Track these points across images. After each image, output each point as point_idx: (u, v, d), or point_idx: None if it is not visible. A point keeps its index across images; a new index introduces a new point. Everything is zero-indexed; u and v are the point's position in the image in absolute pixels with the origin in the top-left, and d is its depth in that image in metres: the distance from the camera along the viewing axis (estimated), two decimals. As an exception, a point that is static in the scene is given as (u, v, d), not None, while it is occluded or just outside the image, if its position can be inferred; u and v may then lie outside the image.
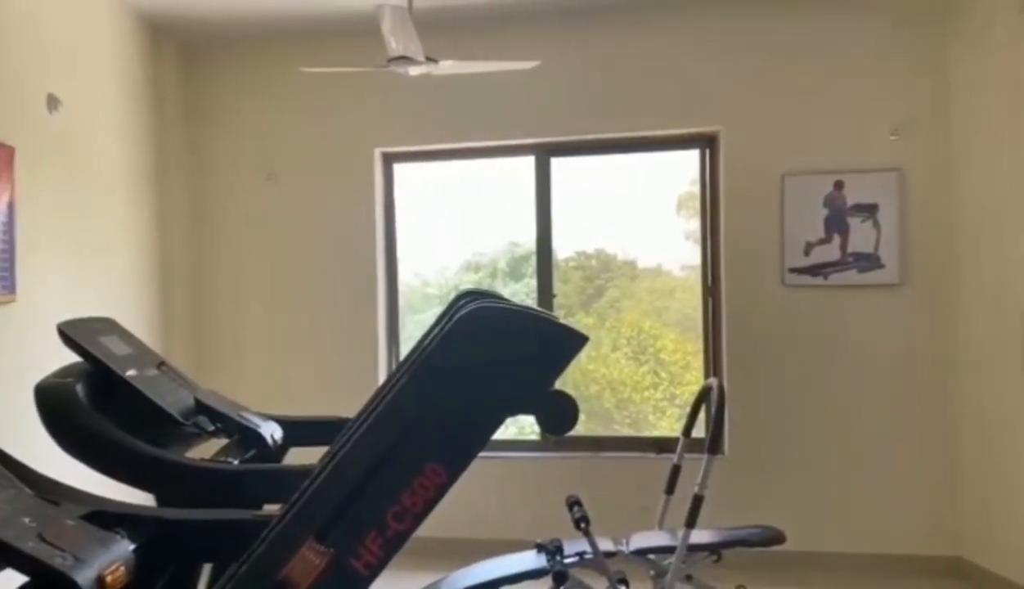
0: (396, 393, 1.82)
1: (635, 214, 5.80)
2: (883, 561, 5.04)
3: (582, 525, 3.18)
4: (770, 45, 5.27)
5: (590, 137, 5.56)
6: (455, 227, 6.08)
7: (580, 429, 5.83)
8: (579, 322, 5.92)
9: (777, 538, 3.80)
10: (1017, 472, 4.57)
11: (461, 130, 5.61)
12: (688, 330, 5.81)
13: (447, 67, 4.23)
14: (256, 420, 2.86)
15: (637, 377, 5.94)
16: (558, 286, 5.78)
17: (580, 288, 6.03)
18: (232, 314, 5.88)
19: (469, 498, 5.40)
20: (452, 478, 1.74)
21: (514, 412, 1.83)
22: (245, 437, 2.78)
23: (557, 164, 5.69)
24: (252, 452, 2.75)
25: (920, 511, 5.09)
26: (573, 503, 3.32)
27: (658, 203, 5.86)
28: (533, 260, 5.75)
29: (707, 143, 5.48)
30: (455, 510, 5.33)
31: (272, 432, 2.84)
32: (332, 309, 5.74)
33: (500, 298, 2.53)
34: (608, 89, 5.43)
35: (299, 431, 2.98)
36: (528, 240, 5.81)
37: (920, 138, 5.11)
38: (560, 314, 5.88)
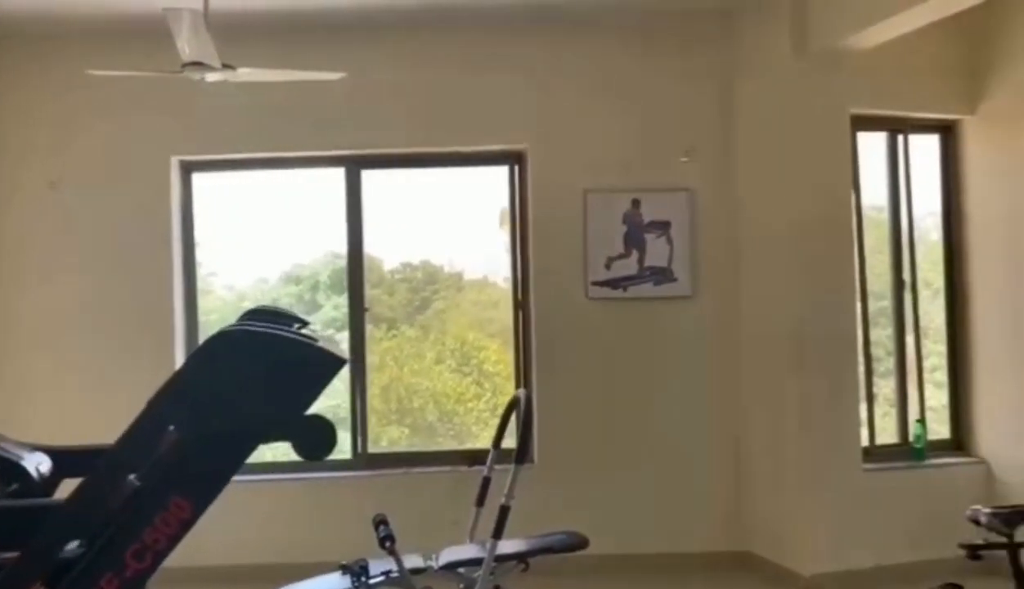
0: (137, 421, 1.70)
1: (460, 226, 5.82)
2: (680, 559, 5.30)
3: (387, 544, 3.13)
4: (574, 67, 5.48)
5: (401, 151, 5.55)
6: (272, 238, 5.83)
7: (400, 445, 5.83)
8: (403, 334, 5.88)
9: (581, 543, 3.91)
10: (795, 467, 4.98)
11: (267, 140, 5.43)
12: (511, 341, 5.90)
13: (245, 74, 4.08)
14: (18, 451, 2.57)
15: (461, 389, 5.96)
16: (383, 298, 5.71)
17: (407, 300, 5.98)
18: (7, 339, 5.35)
19: (279, 522, 5.28)
20: (197, 512, 1.64)
21: (265, 438, 1.76)
22: (4, 470, 2.49)
23: (378, 176, 5.64)
24: (14, 486, 2.47)
25: (713, 509, 5.43)
26: (379, 522, 3.27)
27: (482, 216, 5.92)
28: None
29: (515, 160, 5.62)
30: (263, 535, 5.20)
31: (38, 464, 2.57)
32: (122, 330, 5.34)
33: (289, 318, 2.44)
34: (419, 104, 5.44)
35: (71, 462, 2.70)
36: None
37: (708, 161, 5.48)
38: (383, 327, 5.82)
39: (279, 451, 4.06)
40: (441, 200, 5.78)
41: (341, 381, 5.49)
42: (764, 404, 5.25)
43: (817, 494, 4.93)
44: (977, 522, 3.10)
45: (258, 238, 5.83)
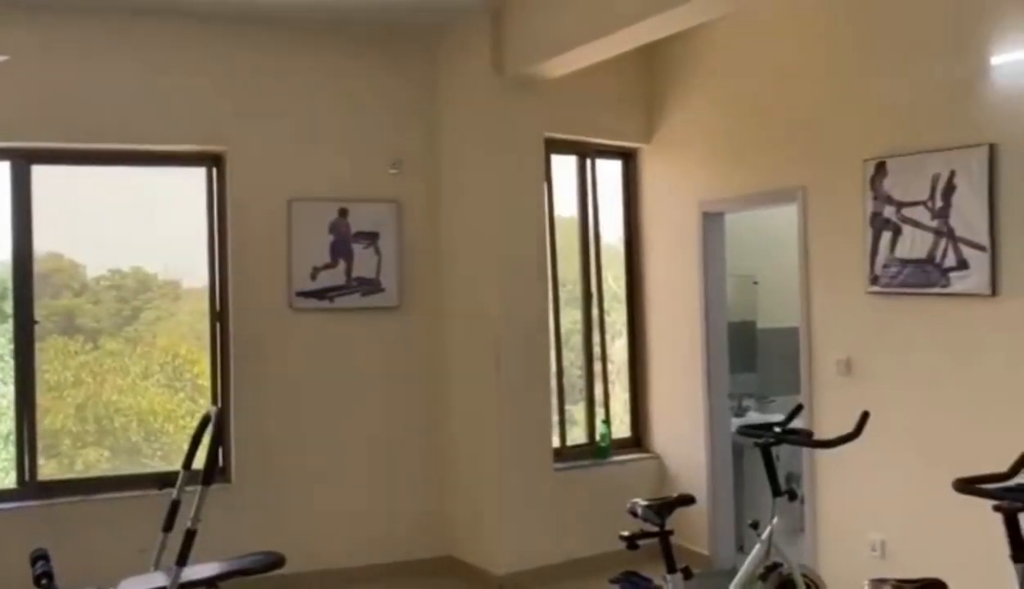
0: None
1: (174, 231, 5.36)
2: (382, 570, 5.33)
3: (43, 582, 2.82)
4: (280, 72, 5.32)
5: (79, 146, 5.04)
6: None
7: (100, 467, 5.19)
8: (104, 348, 5.31)
9: (277, 562, 3.79)
10: (491, 472, 5.21)
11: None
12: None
13: None
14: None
15: (172, 405, 5.51)
16: (86, 307, 5.12)
17: (114, 310, 5.40)
18: None
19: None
20: None
21: None
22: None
23: (70, 173, 5.10)
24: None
25: (417, 517, 5.51)
26: (37, 557, 2.94)
27: (199, 220, 5.45)
28: (56, 277, 5.01)
29: (213, 162, 5.33)
30: None
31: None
32: None
33: None
34: (103, 97, 4.98)
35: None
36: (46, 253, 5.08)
37: (416, 173, 5.58)
38: (79, 340, 5.22)
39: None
40: (150, 202, 5.28)
41: (7, 401, 4.89)
42: (467, 412, 5.43)
43: (511, 496, 5.18)
44: (635, 514, 3.43)
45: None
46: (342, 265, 5.43)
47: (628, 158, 6.09)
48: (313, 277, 5.34)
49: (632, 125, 5.92)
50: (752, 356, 6.34)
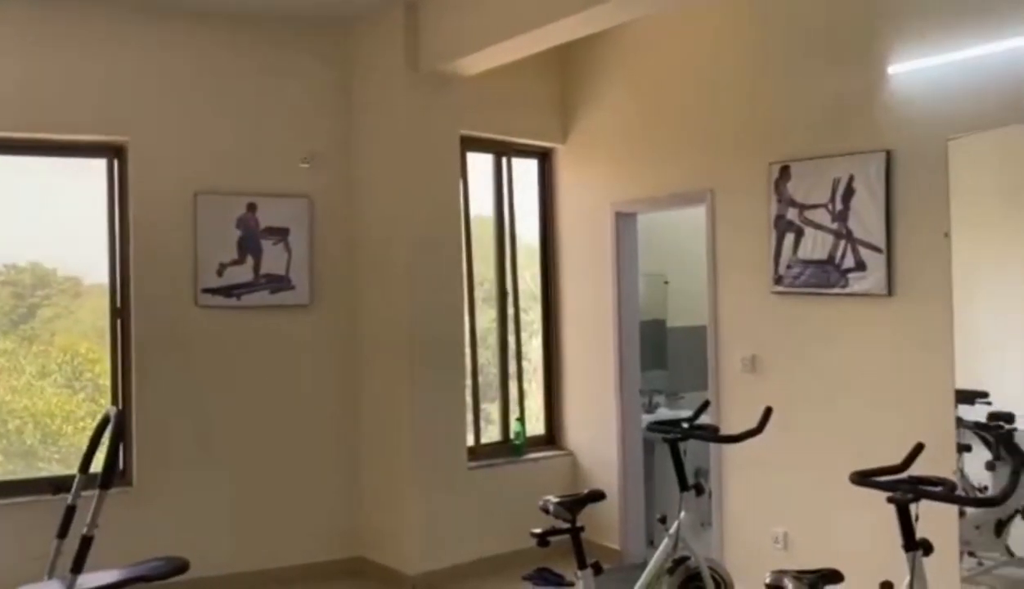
0: None
1: (78, 226, 5.09)
2: (291, 572, 5.22)
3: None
4: (186, 62, 5.14)
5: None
6: None
7: None
8: None
9: (179, 568, 3.68)
10: (406, 471, 5.16)
11: None
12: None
13: None
14: None
15: (71, 406, 5.25)
16: None
17: (9, 307, 5.10)
18: None
19: None
20: None
21: None
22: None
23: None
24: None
25: (329, 519, 5.41)
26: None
27: (102, 215, 5.19)
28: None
29: (114, 154, 5.11)
30: None
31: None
32: None
33: None
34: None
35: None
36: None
37: (327, 168, 5.47)
38: None
39: None
40: (49, 195, 5.01)
41: None
42: (381, 411, 5.36)
43: (424, 495, 5.14)
44: (547, 511, 3.44)
45: None
46: (250, 261, 5.28)
47: (544, 157, 6.13)
48: (220, 273, 5.18)
49: (548, 125, 5.96)
50: (663, 354, 6.46)
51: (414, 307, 5.14)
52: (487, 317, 5.96)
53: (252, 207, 5.27)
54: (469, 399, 5.59)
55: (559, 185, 6.09)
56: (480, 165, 5.89)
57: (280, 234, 5.34)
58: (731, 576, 4.06)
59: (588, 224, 5.81)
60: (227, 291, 5.20)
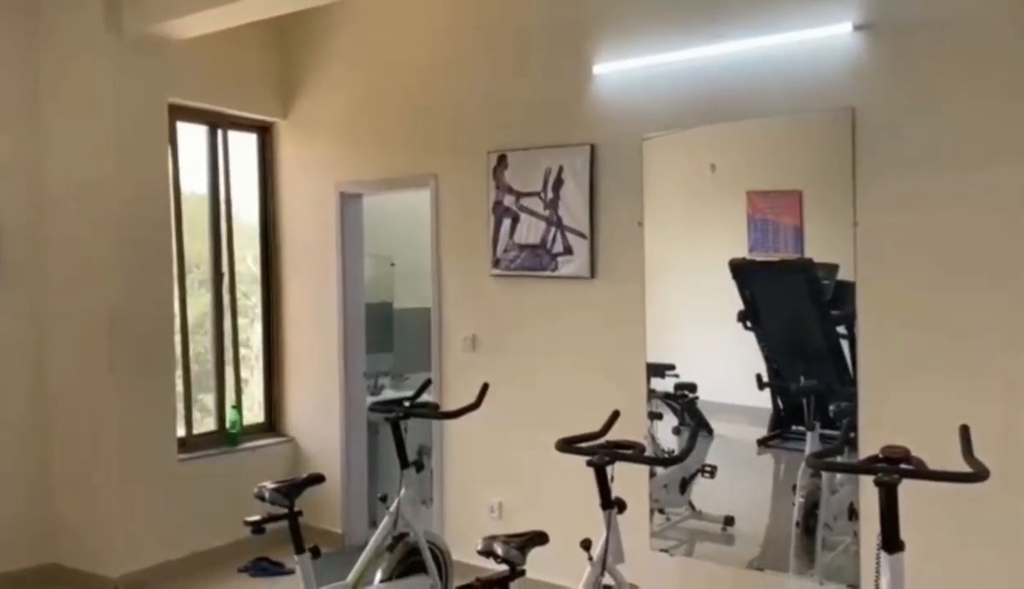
0: None
1: None
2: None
3: None
4: None
5: None
6: None
7: None
8: None
9: None
10: (107, 470, 4.74)
11: None
12: None
13: None
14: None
15: None
16: None
17: None
18: None
19: None
20: None
21: None
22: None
23: None
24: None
25: (16, 522, 4.84)
26: None
27: None
28: None
29: None
30: None
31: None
32: None
33: None
34: None
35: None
36: None
37: (6, 131, 4.84)
38: None
39: None
40: None
41: None
42: (80, 406, 4.86)
43: (128, 492, 4.77)
44: (263, 498, 3.35)
45: None
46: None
47: (264, 132, 5.89)
48: None
49: (267, 98, 5.73)
50: (389, 336, 6.50)
51: (116, 292, 4.72)
52: (203, 302, 5.63)
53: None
54: (181, 388, 5.26)
55: (280, 163, 5.89)
56: (194, 139, 5.53)
57: (-49, 205, 4.66)
58: (449, 548, 4.20)
59: (312, 204, 5.68)
60: None
